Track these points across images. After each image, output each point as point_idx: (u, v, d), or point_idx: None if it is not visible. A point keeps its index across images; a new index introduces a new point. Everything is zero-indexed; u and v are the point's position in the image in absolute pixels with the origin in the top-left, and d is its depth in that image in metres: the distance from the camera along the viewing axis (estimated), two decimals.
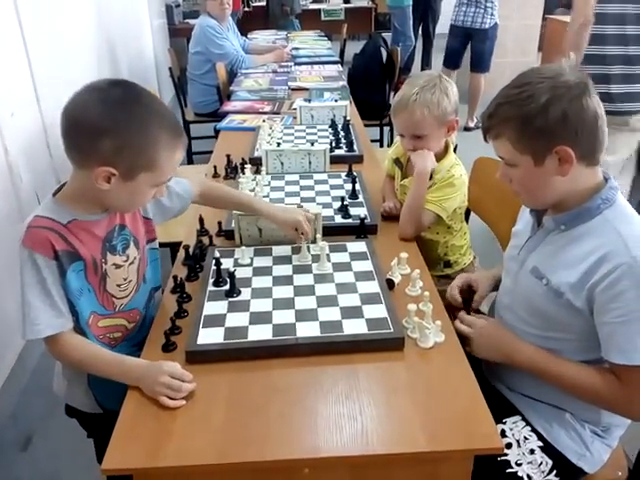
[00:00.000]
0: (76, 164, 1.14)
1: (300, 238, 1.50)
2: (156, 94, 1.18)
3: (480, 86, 5.13)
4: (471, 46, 5.08)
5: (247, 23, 7.11)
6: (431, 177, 1.70)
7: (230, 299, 1.34)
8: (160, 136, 1.13)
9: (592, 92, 1.09)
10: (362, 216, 1.66)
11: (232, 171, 2.12)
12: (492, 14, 4.88)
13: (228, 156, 2.15)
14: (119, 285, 1.28)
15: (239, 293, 1.36)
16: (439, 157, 1.73)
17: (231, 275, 1.35)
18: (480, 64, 5.07)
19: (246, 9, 8.16)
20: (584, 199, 1.14)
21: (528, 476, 1.19)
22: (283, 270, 1.46)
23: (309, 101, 2.89)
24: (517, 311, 1.29)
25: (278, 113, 2.91)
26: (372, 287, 1.38)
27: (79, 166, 1.14)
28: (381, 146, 4.02)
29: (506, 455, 1.20)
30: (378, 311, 1.29)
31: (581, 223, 1.15)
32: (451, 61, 5.22)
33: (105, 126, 1.07)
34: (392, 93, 3.98)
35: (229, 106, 3.07)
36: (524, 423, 1.26)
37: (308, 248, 1.51)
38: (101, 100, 1.08)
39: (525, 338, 1.25)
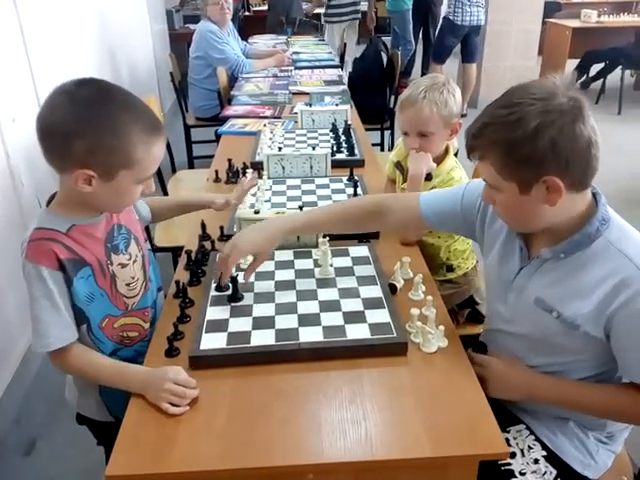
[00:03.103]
0: (56, 169, 1.13)
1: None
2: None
3: (474, 75, 5.67)
4: (468, 41, 5.49)
5: (247, 27, 7.14)
6: (430, 179, 1.70)
7: (233, 304, 1.34)
8: (133, 132, 1.10)
9: (586, 116, 1.00)
10: None
11: (233, 175, 2.12)
12: (484, 9, 5.42)
13: (229, 160, 2.15)
14: (128, 284, 1.29)
15: (242, 298, 1.36)
16: (439, 160, 1.73)
17: (233, 280, 1.35)
18: (474, 55, 5.62)
19: (247, 14, 8.18)
20: (580, 225, 1.08)
21: None
22: (285, 275, 1.46)
23: (310, 105, 2.89)
24: (518, 340, 1.24)
25: (279, 117, 2.91)
26: (375, 292, 1.38)
27: (59, 171, 1.13)
28: (382, 150, 4.02)
29: (510, 464, 1.18)
30: (381, 316, 1.29)
31: (582, 249, 1.09)
32: (442, 57, 5.70)
33: (74, 128, 1.05)
34: (393, 97, 3.98)
35: (230, 110, 3.07)
36: (528, 432, 1.24)
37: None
38: (69, 101, 1.06)
39: (527, 363, 1.21)
